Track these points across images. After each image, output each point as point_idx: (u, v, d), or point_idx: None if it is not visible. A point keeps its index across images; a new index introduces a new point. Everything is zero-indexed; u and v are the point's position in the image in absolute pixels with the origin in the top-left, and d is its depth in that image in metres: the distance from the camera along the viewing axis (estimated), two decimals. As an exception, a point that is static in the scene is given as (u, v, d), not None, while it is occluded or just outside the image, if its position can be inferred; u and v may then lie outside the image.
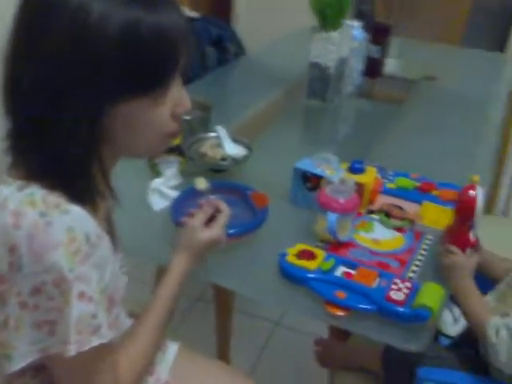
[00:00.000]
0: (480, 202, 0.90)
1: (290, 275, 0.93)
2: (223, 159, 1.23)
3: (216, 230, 0.87)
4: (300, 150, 1.46)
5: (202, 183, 0.99)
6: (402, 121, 1.64)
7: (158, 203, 1.11)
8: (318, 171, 1.09)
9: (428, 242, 1.03)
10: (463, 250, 0.94)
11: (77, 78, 0.61)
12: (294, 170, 1.11)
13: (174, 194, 1.12)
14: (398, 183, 1.18)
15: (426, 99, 1.80)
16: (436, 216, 1.08)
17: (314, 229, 1.04)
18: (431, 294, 0.86)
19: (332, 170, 1.09)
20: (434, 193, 1.15)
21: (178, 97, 0.69)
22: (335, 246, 1.00)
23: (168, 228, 1.02)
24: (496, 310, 0.93)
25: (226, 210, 0.90)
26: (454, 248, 0.94)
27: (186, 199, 1.07)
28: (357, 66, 1.74)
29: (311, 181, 1.10)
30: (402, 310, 0.84)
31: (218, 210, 0.90)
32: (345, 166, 1.15)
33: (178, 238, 0.88)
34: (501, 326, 0.86)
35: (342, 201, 0.98)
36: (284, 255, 0.95)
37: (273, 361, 1.73)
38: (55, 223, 0.62)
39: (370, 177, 1.12)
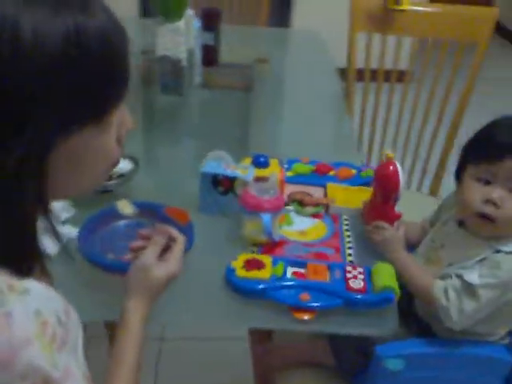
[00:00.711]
0: (401, 177, 0.94)
1: (245, 290, 0.86)
2: (109, 178, 1.07)
3: (173, 263, 0.75)
4: (179, 153, 1.36)
5: (126, 207, 0.84)
6: (255, 107, 1.64)
7: (52, 246, 0.92)
8: (229, 173, 1.02)
9: (346, 222, 1.06)
10: (391, 224, 0.98)
11: (21, 109, 0.46)
12: (202, 175, 1.03)
13: (70, 230, 0.94)
14: (296, 170, 1.17)
15: (266, 82, 1.83)
16: (344, 196, 1.10)
17: (243, 234, 0.97)
18: (385, 274, 0.88)
19: (243, 169, 1.04)
20: (332, 173, 1.18)
21: (121, 116, 0.57)
22: (269, 247, 0.96)
23: (83, 271, 0.85)
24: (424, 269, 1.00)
25: (180, 238, 0.78)
26: (382, 224, 0.97)
27: (94, 230, 0.91)
28: (199, 55, 1.68)
29: (223, 184, 1.03)
30: (366, 296, 0.85)
31: (171, 239, 0.78)
32: (247, 161, 1.10)
33: (127, 280, 0.74)
34: (448, 288, 0.92)
35: (270, 199, 0.94)
36: (232, 271, 0.87)
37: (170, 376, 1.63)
38: (16, 312, 0.47)
39: (276, 169, 1.09)
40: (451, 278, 0.93)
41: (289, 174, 1.16)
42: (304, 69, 1.89)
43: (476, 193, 0.91)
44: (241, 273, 0.87)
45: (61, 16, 0.48)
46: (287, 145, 1.42)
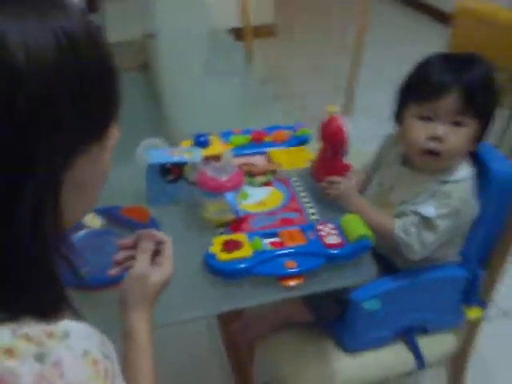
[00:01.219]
0: (349, 129, 0.98)
1: (232, 272, 0.85)
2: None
3: (167, 266, 0.73)
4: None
5: (94, 220, 0.79)
6: (155, 84, 1.59)
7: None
8: (177, 159, 0.99)
9: (297, 184, 1.08)
10: (343, 177, 1.02)
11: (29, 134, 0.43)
12: (149, 166, 0.98)
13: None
14: (234, 142, 1.16)
15: (158, 58, 1.77)
16: (287, 158, 1.12)
17: (206, 217, 0.96)
18: (355, 224, 0.92)
19: (188, 152, 1.01)
20: (268, 139, 1.19)
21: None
22: (236, 224, 0.96)
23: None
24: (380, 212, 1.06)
25: (167, 239, 0.75)
26: (335, 178, 1.01)
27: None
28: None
29: (173, 172, 0.99)
30: (345, 249, 0.88)
31: (158, 242, 0.74)
32: (189, 143, 1.08)
33: (125, 293, 0.70)
34: (407, 225, 0.98)
35: (230, 177, 0.93)
36: (212, 256, 0.86)
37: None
38: (65, 359, 0.44)
39: (219, 145, 1.08)
40: (407, 215, 1.00)
41: (228, 147, 1.15)
42: (194, 36, 1.85)
43: (420, 130, 0.97)
44: (222, 256, 0.86)
45: (47, 25, 0.43)
46: (203, 119, 1.40)
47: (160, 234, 0.75)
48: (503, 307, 1.75)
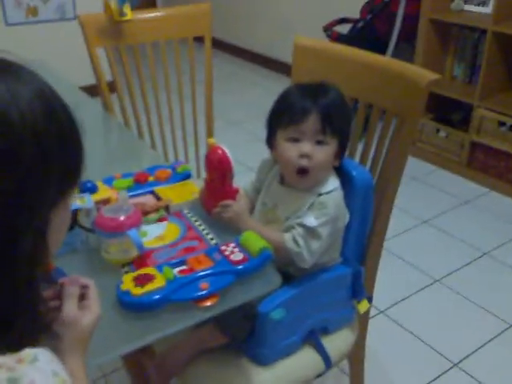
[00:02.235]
0: (231, 157, 1.06)
1: (149, 304, 0.87)
2: None
3: (95, 307, 0.73)
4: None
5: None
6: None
7: None
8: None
9: (190, 214, 1.13)
10: (233, 200, 1.09)
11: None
12: (42, 219, 0.96)
13: None
14: (118, 186, 1.18)
15: None
16: (174, 193, 1.17)
17: (108, 259, 0.96)
18: (254, 239, 0.99)
19: (79, 199, 1.00)
20: (152, 179, 1.22)
21: None
22: (139, 261, 0.97)
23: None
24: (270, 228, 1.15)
25: (90, 282, 0.76)
26: (226, 202, 1.08)
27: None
28: None
29: (67, 220, 0.98)
30: (250, 263, 0.95)
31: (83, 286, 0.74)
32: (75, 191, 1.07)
33: (58, 341, 0.68)
34: (295, 237, 1.08)
35: (129, 215, 0.95)
36: (126, 293, 0.87)
37: None
38: (38, 378, 0.48)
39: (106, 189, 1.08)
40: (294, 228, 1.10)
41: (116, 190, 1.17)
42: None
43: (291, 151, 1.09)
44: (137, 291, 0.87)
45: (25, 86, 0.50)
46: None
47: (83, 278, 0.75)
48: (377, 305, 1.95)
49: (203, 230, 1.08)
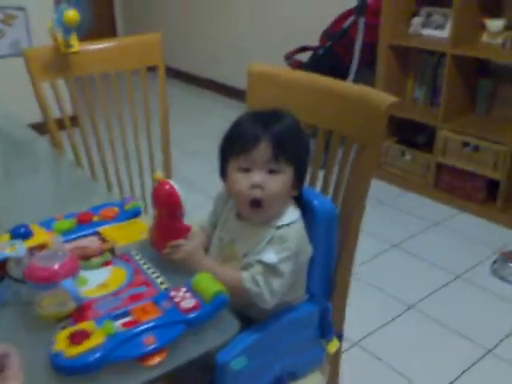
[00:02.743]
0: (180, 191, 0.97)
1: (84, 367, 0.76)
2: None
3: (17, 375, 0.63)
4: None
5: None
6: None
7: None
8: (-4, 256, 0.87)
9: (138, 257, 1.03)
10: (185, 238, 1.00)
11: None
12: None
13: None
14: (59, 228, 1.07)
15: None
16: (121, 234, 1.07)
17: (41, 314, 0.85)
18: (207, 282, 0.90)
19: (9, 247, 0.89)
20: (96, 218, 1.12)
21: None
22: (78, 314, 0.86)
23: None
24: (226, 266, 1.06)
25: (11, 349, 0.66)
26: (178, 242, 0.99)
27: None
28: None
29: (-6, 271, 0.87)
30: (203, 310, 0.85)
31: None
32: (5, 238, 0.96)
33: None
34: (254, 275, 0.99)
35: (63, 263, 0.84)
36: (58, 356, 0.76)
37: None
38: None
39: (43, 234, 0.98)
40: (253, 265, 1.01)
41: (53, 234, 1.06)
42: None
43: (242, 181, 1.00)
44: (71, 351, 0.76)
45: None
46: (17, 214, 1.27)
47: (2, 346, 0.65)
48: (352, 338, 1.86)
49: (153, 273, 0.98)
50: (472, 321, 1.96)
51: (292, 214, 1.04)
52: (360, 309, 1.97)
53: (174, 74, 4.68)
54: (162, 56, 1.66)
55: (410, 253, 2.37)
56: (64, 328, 0.83)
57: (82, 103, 1.63)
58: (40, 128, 1.68)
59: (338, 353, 1.20)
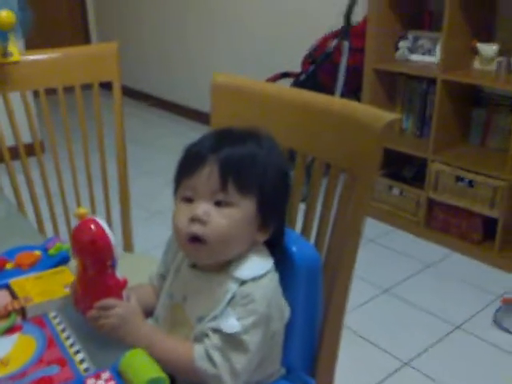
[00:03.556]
0: (110, 233, 0.72)
1: None
2: None
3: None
4: None
5: None
6: None
7: None
8: None
9: (57, 321, 0.77)
10: (119, 297, 0.74)
11: None
12: None
13: None
14: (-45, 280, 0.81)
15: None
16: (39, 288, 0.81)
17: None
18: (141, 364, 0.64)
19: None
20: (10, 266, 0.86)
21: None
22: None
23: None
24: (175, 333, 0.80)
25: None
26: (107, 301, 0.73)
27: None
28: None
29: None
30: (131, 407, 0.59)
31: None
32: None
33: None
34: (210, 351, 0.74)
35: None
36: None
37: None
38: None
39: None
40: (208, 336, 0.75)
41: None
42: None
43: (182, 214, 0.77)
44: None
45: None
46: None
47: None
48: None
49: (71, 345, 0.72)
50: (476, 375, 1.70)
51: (260, 264, 0.79)
52: (349, 364, 1.71)
53: (129, 92, 4.53)
54: (119, 69, 1.42)
55: (402, 299, 2.12)
56: None
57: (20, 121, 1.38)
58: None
59: None
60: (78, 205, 1.45)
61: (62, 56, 1.42)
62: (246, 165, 0.77)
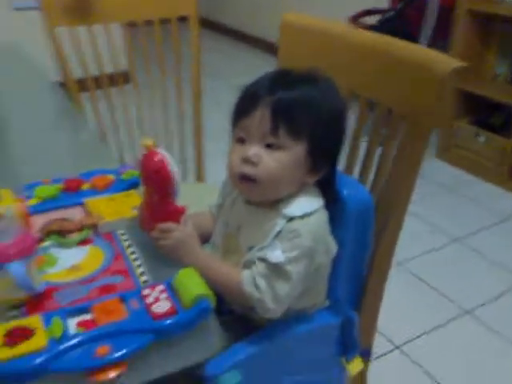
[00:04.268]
0: (173, 165, 0.78)
1: (15, 375, 0.60)
2: None
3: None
4: None
5: None
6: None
7: None
8: None
9: (125, 237, 0.85)
10: (177, 222, 0.81)
11: None
12: None
13: None
14: (40, 195, 0.91)
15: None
16: (111, 208, 0.90)
17: (-11, 299, 0.70)
18: (191, 281, 0.71)
19: (-40, 214, 0.74)
20: (86, 186, 0.95)
21: None
22: (34, 303, 0.70)
23: None
24: (227, 259, 0.87)
25: None
26: (167, 225, 0.80)
27: None
28: None
29: None
30: (179, 317, 0.67)
31: None
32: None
33: None
34: (256, 278, 0.80)
35: (14, 241, 0.68)
36: (-12, 359, 0.60)
37: None
38: None
39: (11, 202, 0.82)
40: (255, 264, 0.81)
41: (32, 202, 0.90)
42: (15, 88, 1.58)
43: (235, 154, 0.81)
44: (3, 354, 0.60)
45: None
46: (24, 175, 1.14)
47: None
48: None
49: (135, 259, 0.80)
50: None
51: (309, 203, 0.82)
52: (408, 306, 1.74)
53: (209, 25, 4.52)
54: (195, 4, 1.45)
55: (473, 249, 2.08)
56: (16, 317, 0.68)
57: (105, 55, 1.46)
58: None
59: (363, 374, 0.99)
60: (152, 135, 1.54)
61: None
62: (298, 109, 0.78)
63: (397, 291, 1.80)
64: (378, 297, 0.96)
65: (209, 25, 4.86)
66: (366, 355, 0.96)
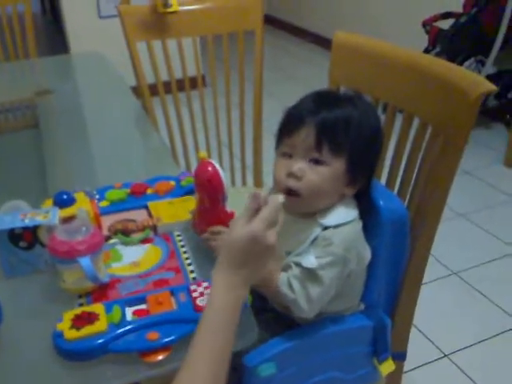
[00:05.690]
0: (222, 174, 0.88)
1: (81, 353, 0.72)
2: None
3: (256, 223, 0.71)
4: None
5: None
6: (49, 143, 1.45)
7: None
8: (28, 223, 0.86)
9: (179, 238, 0.97)
10: (225, 225, 0.91)
11: None
12: (-2, 233, 0.85)
13: None
14: (110, 198, 1.05)
15: (55, 114, 1.64)
16: (169, 211, 1.01)
17: (63, 287, 0.83)
18: (232, 281, 0.80)
19: (44, 214, 0.88)
20: (150, 191, 1.07)
21: None
22: (100, 292, 0.83)
23: None
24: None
25: (274, 198, 0.74)
26: (218, 228, 0.90)
27: None
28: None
29: (25, 237, 0.86)
30: (219, 311, 0.76)
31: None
32: (49, 203, 0.95)
33: None
34: (291, 280, 0.88)
35: (84, 238, 0.81)
36: (59, 335, 0.73)
37: None
38: None
39: (84, 203, 0.95)
40: (291, 267, 0.89)
41: (103, 204, 1.04)
42: (95, 93, 1.75)
43: (281, 168, 0.89)
44: (70, 334, 0.73)
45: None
46: (98, 175, 1.29)
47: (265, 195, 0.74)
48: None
49: (186, 258, 0.91)
50: None
51: (344, 214, 0.89)
52: (458, 317, 1.75)
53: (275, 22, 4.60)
54: (262, 20, 1.54)
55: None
56: (81, 305, 0.80)
57: (176, 66, 1.59)
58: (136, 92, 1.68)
59: (398, 375, 1.05)
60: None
61: (211, 7, 1.58)
62: (340, 128, 0.85)
63: (449, 300, 1.82)
64: (413, 302, 1.01)
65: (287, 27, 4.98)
66: (401, 358, 1.01)
